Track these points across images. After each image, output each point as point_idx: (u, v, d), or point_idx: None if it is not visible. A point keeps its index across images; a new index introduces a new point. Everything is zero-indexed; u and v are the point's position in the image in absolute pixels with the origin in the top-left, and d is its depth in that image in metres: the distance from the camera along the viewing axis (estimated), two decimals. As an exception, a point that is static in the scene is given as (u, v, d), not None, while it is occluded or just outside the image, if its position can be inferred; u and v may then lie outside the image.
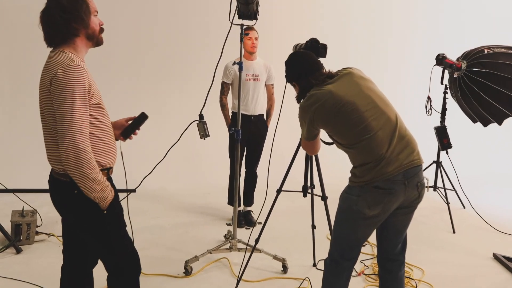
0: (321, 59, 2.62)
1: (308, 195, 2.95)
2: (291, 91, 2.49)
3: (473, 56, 4.17)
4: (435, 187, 4.58)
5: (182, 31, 5.77)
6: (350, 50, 6.30)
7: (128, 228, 2.06)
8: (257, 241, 2.95)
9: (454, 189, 4.54)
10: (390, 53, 6.58)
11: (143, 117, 2.10)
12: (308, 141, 2.29)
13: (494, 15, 6.69)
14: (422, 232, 4.06)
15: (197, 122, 2.93)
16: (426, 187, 3.13)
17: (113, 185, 1.94)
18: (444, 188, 4.37)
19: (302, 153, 2.78)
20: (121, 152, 2.11)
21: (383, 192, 2.01)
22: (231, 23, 2.84)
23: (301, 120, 2.23)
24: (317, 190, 2.88)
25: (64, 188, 1.82)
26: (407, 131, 2.16)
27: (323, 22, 6.12)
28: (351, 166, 2.16)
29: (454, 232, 4.11)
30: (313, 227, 3.09)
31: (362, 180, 2.06)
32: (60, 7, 1.74)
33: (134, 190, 5.03)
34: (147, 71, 5.72)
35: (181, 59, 5.79)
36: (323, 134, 2.24)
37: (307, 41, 2.60)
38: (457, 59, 4.27)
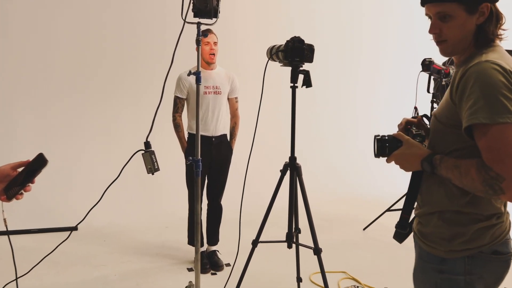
0: (306, 65, 2.00)
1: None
2: (268, 101, 1.82)
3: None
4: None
5: (133, 35, 4.98)
6: (319, 55, 5.74)
7: None
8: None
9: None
10: (367, 59, 6.10)
11: (40, 162, 1.32)
12: None
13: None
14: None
15: (143, 152, 2.20)
16: None
17: None
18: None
19: (285, 184, 2.12)
20: (4, 220, 1.35)
21: (504, 261, 1.32)
22: (184, 20, 2.15)
23: (501, 87, 1.18)
24: (305, 237, 2.21)
25: None
26: None
27: (293, 23, 5.54)
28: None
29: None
30: (299, 279, 2.42)
31: (477, 245, 1.30)
32: None
33: (75, 228, 4.22)
34: (93, 85, 4.88)
35: (133, 69, 4.99)
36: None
37: (287, 41, 1.96)
38: (444, 64, 3.80)
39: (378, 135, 1.43)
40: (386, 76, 6.22)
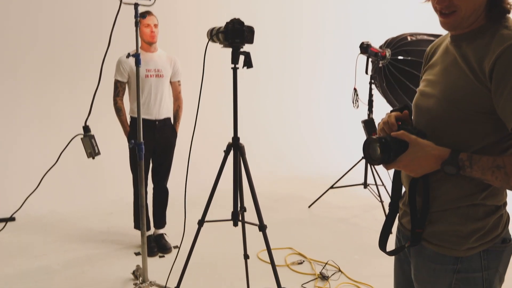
0: (246, 46, 2.02)
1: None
2: (211, 83, 1.83)
3: (397, 44, 3.89)
4: (365, 185, 4.25)
5: (69, 16, 4.74)
6: (260, 37, 5.77)
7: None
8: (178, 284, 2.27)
9: (384, 185, 4.24)
10: (308, 42, 6.21)
11: None
12: None
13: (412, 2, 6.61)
14: (360, 237, 3.68)
15: (82, 136, 2.15)
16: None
17: None
18: (375, 184, 4.05)
19: (229, 164, 2.15)
20: None
21: (511, 247, 1.23)
22: (121, 1, 2.10)
23: None
24: (251, 215, 2.27)
25: None
26: None
27: (233, 5, 5.50)
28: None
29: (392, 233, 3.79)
30: (246, 256, 2.48)
31: (492, 237, 1.18)
32: None
33: (12, 219, 4.03)
34: (26, 68, 4.62)
35: (69, 52, 4.76)
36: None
37: (227, 23, 1.96)
38: (380, 47, 3.96)
39: (381, 138, 1.15)
40: (326, 59, 6.37)
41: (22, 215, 4.01)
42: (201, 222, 2.15)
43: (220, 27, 2.01)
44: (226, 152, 2.13)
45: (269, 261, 3.01)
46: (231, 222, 2.22)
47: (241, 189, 2.24)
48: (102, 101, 3.54)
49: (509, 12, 1.13)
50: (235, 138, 2.13)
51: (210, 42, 2.06)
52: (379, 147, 1.13)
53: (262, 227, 2.10)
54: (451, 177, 1.15)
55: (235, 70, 2.04)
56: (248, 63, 1.95)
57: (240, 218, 2.24)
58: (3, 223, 3.80)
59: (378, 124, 1.31)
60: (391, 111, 1.31)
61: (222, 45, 2.06)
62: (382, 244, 1.34)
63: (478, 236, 1.17)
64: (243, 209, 2.29)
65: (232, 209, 2.25)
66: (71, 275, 3.04)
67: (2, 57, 4.50)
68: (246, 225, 2.35)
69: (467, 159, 1.09)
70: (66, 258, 3.31)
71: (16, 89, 4.58)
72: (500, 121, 1.09)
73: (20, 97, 4.60)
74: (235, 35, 1.93)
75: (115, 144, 4.05)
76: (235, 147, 2.12)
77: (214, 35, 2.01)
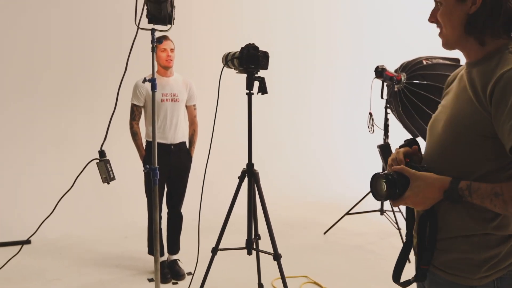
0: (262, 72, 2.02)
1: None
2: (225, 108, 1.83)
3: (412, 68, 3.87)
4: (382, 211, 4.17)
5: (87, 41, 4.86)
6: (273, 61, 5.81)
7: None
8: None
9: (401, 211, 4.15)
10: (322, 66, 6.23)
11: None
12: None
13: (426, 25, 6.64)
14: (377, 265, 3.58)
15: (97, 161, 2.15)
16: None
17: None
18: (392, 211, 3.96)
19: (244, 190, 2.13)
20: None
21: None
22: (138, 27, 2.13)
23: None
24: (265, 243, 2.22)
25: None
26: None
27: (248, 30, 5.58)
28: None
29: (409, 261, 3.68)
30: (260, 286, 2.42)
31: (507, 264, 1.14)
32: None
33: (28, 242, 4.05)
34: (43, 91, 4.72)
35: (86, 76, 4.86)
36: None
37: (242, 48, 1.98)
38: (396, 71, 3.94)
39: (388, 174, 1.16)
40: (340, 83, 6.36)
41: (37, 238, 3.99)
42: (215, 250, 2.12)
43: (235, 52, 2.02)
44: (241, 179, 2.11)
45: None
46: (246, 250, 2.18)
47: (256, 216, 2.21)
48: (118, 125, 3.59)
49: (500, 37, 1.12)
50: (250, 164, 2.12)
51: (225, 68, 2.08)
52: (385, 183, 1.14)
53: (276, 256, 2.05)
54: (465, 206, 1.13)
55: (249, 96, 2.04)
56: (263, 89, 1.95)
57: (254, 246, 2.19)
58: (19, 246, 3.82)
59: (388, 159, 1.31)
60: (400, 146, 1.31)
61: (237, 71, 2.07)
62: (396, 275, 1.30)
63: (491, 265, 1.13)
64: (258, 236, 2.25)
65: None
66: (84, 300, 3.01)
67: (20, 81, 4.61)
68: (261, 253, 2.31)
69: (466, 188, 1.09)
70: (79, 283, 3.29)
71: (33, 112, 4.68)
72: (502, 147, 1.08)
73: (37, 120, 4.69)
74: (250, 61, 1.93)
75: (130, 168, 4.06)
76: (250, 174, 2.10)
77: (229, 60, 2.02)
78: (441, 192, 1.13)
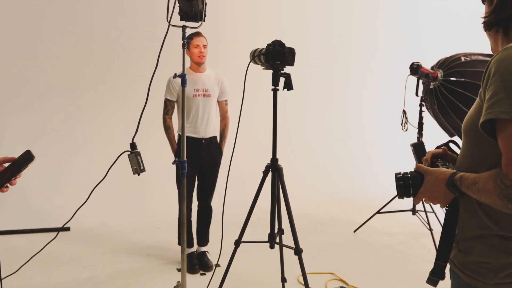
0: (287, 68, 2.04)
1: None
2: (250, 106, 1.86)
3: (450, 65, 3.75)
4: (414, 211, 4.08)
5: (125, 38, 5.02)
6: (309, 59, 5.80)
7: None
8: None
9: (434, 212, 4.05)
10: (355, 61, 6.15)
11: (27, 158, 1.39)
12: None
13: (466, 21, 6.41)
14: (406, 266, 3.52)
15: (128, 153, 2.24)
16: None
17: None
18: (425, 211, 3.88)
19: (268, 184, 2.15)
20: None
21: None
22: (169, 23, 2.19)
23: None
24: (289, 237, 2.24)
25: None
26: None
27: (280, 27, 5.58)
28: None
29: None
30: (283, 280, 2.45)
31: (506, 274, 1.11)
32: None
33: (67, 229, 4.26)
34: (84, 86, 4.92)
35: (122, 72, 5.03)
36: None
37: (268, 45, 2.00)
38: (432, 68, 3.83)
39: (399, 173, 1.23)
40: (377, 80, 6.26)
41: (76, 226, 4.22)
42: (237, 243, 2.16)
43: (262, 49, 2.04)
44: (265, 173, 2.13)
45: (309, 285, 2.96)
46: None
47: (279, 211, 2.23)
48: (153, 119, 3.70)
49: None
50: (274, 159, 2.14)
51: (253, 64, 2.10)
52: (398, 181, 1.21)
53: (297, 251, 2.07)
54: (471, 203, 1.14)
55: (275, 92, 2.06)
56: (288, 85, 1.96)
57: (277, 240, 2.22)
58: (56, 233, 4.02)
59: (421, 158, 1.36)
60: (436, 147, 1.36)
61: (263, 67, 2.09)
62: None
63: (508, 273, 1.09)
64: (281, 231, 2.27)
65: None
66: (116, 287, 3.14)
67: (65, 77, 4.83)
68: (287, 248, 2.33)
69: (459, 179, 1.11)
70: (112, 269, 3.42)
71: (76, 107, 4.89)
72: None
73: (76, 114, 4.90)
74: (275, 57, 1.95)
75: (164, 161, 4.17)
76: (274, 169, 2.13)
77: (256, 56, 2.04)
78: (445, 187, 1.15)
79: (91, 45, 4.91)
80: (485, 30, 1.21)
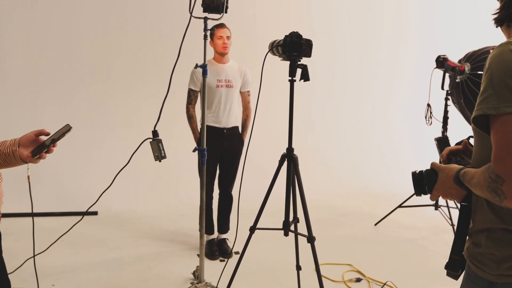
0: (305, 60, 2.07)
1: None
2: (266, 98, 1.91)
3: (478, 58, 3.67)
4: (436, 206, 4.04)
5: (153, 31, 5.15)
6: (338, 51, 5.76)
7: None
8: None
9: (457, 207, 3.99)
10: (384, 54, 6.08)
11: (66, 130, 1.54)
12: None
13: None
14: (425, 261, 3.51)
15: (150, 140, 2.33)
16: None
17: None
18: (447, 206, 3.83)
19: (283, 173, 2.20)
20: (28, 177, 1.53)
21: None
22: (191, 15, 2.26)
23: None
24: (303, 227, 2.29)
25: None
26: None
27: (309, 18, 5.56)
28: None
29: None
30: (298, 268, 2.50)
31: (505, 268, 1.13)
32: None
33: (95, 213, 4.44)
34: (114, 77, 5.08)
35: (151, 63, 5.16)
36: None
37: (286, 36, 2.03)
38: (459, 61, 3.76)
39: (415, 171, 1.26)
40: (405, 72, 6.17)
41: (103, 210, 4.41)
42: (252, 229, 2.22)
43: (279, 40, 2.08)
44: (280, 162, 2.18)
45: (326, 275, 3.00)
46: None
47: (295, 199, 2.27)
48: (179, 109, 3.79)
49: None
50: (289, 149, 2.18)
51: (271, 55, 2.14)
52: (413, 180, 1.24)
53: (310, 239, 2.11)
54: (479, 198, 1.16)
55: (292, 82, 2.10)
56: (305, 76, 1.99)
57: (292, 229, 2.27)
58: (88, 216, 4.21)
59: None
60: (456, 144, 1.37)
61: (281, 58, 2.13)
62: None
63: (511, 265, 1.11)
64: (296, 219, 2.31)
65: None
66: (139, 269, 3.27)
67: (97, 67, 5.00)
68: (300, 236, 2.38)
69: (462, 174, 1.13)
70: (136, 253, 3.56)
71: (106, 95, 5.05)
72: None
73: (108, 103, 5.06)
74: (293, 48, 1.98)
75: (189, 150, 4.28)
76: (289, 158, 2.17)
77: (274, 47, 2.08)
78: (453, 181, 1.17)
79: (120, 37, 5.05)
80: (497, 27, 1.22)
